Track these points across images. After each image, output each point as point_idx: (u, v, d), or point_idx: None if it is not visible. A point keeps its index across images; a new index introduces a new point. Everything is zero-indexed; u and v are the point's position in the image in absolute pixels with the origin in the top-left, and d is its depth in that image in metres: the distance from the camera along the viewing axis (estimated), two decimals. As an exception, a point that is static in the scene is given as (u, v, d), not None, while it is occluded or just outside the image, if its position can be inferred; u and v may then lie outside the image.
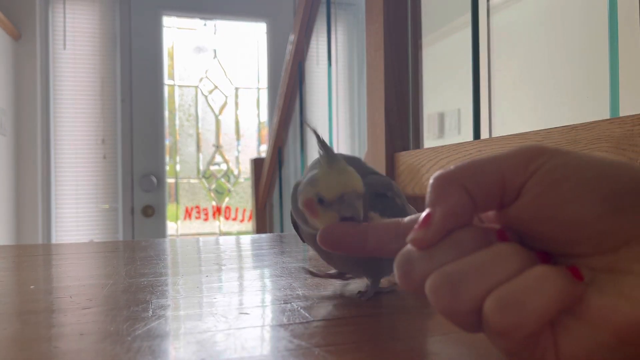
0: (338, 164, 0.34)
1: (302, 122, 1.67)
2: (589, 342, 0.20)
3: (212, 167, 2.61)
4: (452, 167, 0.23)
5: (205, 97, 2.60)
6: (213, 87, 2.61)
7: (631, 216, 0.20)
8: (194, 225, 2.60)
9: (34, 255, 0.70)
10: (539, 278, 0.20)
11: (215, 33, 2.61)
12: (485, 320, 0.20)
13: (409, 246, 0.23)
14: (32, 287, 0.47)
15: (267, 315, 0.35)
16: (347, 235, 0.27)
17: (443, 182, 0.23)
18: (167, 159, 2.54)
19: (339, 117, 2.68)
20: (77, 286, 0.46)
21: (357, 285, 0.45)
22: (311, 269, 0.47)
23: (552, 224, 0.21)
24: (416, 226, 0.23)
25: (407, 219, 0.26)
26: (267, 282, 0.47)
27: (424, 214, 0.23)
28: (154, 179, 2.48)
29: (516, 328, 0.20)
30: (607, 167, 0.21)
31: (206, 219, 2.61)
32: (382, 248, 0.26)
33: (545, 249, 0.22)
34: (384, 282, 0.44)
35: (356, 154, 2.70)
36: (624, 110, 0.55)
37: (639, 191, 0.20)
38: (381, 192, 0.39)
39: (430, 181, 0.23)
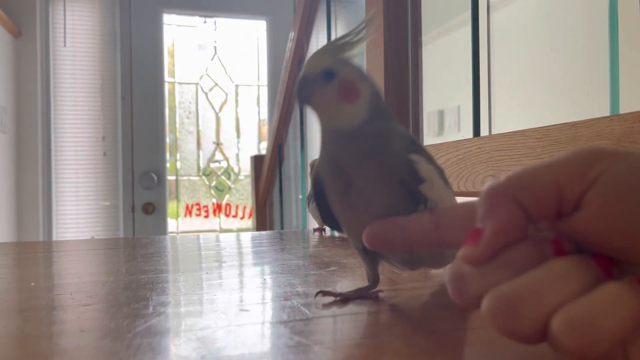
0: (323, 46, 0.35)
1: (302, 121, 1.67)
2: None
3: (213, 165, 2.61)
4: (503, 178, 0.22)
5: (206, 94, 2.60)
6: (213, 84, 2.61)
7: None
8: (194, 223, 2.60)
9: (35, 253, 0.70)
10: (610, 298, 0.19)
11: (215, 30, 2.61)
12: (553, 340, 0.19)
13: (460, 261, 0.22)
14: (32, 284, 0.47)
15: (267, 312, 0.35)
16: (389, 231, 0.27)
17: (494, 195, 0.22)
18: (168, 156, 2.54)
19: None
20: (78, 283, 0.46)
21: (354, 283, 0.45)
22: (325, 290, 0.39)
23: (618, 236, 0.20)
24: (467, 241, 0.22)
25: (443, 208, 0.27)
26: (267, 279, 0.48)
27: (475, 228, 0.22)
28: (155, 176, 2.48)
29: (588, 349, 0.19)
30: None
31: (206, 216, 2.61)
32: (425, 239, 0.27)
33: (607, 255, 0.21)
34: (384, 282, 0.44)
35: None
36: (624, 107, 0.55)
37: None
38: (415, 139, 0.35)
39: (482, 194, 0.23)
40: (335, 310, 0.35)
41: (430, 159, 0.34)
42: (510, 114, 1.62)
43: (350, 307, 0.36)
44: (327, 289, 0.38)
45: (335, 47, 0.34)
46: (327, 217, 0.37)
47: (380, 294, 0.38)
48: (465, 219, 0.26)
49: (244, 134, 2.66)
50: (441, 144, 0.73)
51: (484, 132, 0.73)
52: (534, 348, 0.26)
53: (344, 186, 0.33)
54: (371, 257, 0.37)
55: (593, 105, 1.29)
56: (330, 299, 0.37)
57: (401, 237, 0.28)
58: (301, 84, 0.34)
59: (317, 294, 0.38)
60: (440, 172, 0.35)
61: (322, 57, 0.34)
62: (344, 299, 0.37)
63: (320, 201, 0.37)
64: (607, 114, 0.51)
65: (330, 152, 0.34)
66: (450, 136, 1.93)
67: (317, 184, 0.36)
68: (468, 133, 0.76)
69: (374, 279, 0.38)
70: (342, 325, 0.32)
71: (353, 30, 0.34)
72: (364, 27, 0.34)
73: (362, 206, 0.33)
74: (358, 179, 0.33)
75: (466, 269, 0.22)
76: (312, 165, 1.06)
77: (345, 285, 0.44)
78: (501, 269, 0.21)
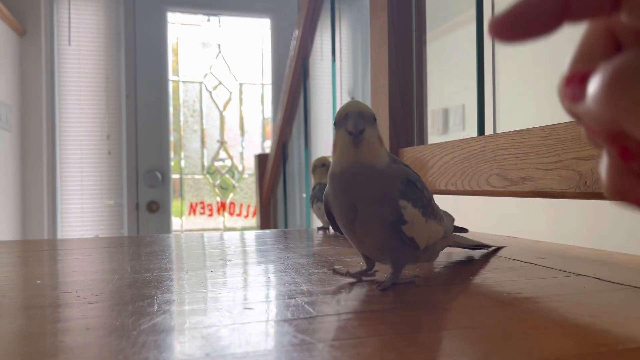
0: (354, 100, 0.42)
1: (306, 119, 1.67)
2: None
3: (217, 163, 2.62)
4: None
5: (210, 93, 2.60)
6: (217, 83, 2.61)
7: None
8: (199, 221, 2.61)
9: (40, 251, 0.70)
10: None
11: (219, 29, 2.61)
12: None
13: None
14: (38, 282, 0.47)
15: (271, 310, 0.35)
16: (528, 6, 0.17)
17: None
18: (172, 154, 2.54)
19: (343, 113, 2.67)
20: (83, 281, 0.46)
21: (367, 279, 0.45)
22: (336, 268, 0.47)
23: None
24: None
25: None
26: (271, 277, 0.48)
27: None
28: (159, 175, 2.48)
29: None
30: None
31: (210, 215, 2.61)
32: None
33: None
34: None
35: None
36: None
37: None
38: (412, 180, 0.42)
39: None
40: (338, 308, 0.35)
41: (415, 201, 0.41)
42: (515, 113, 1.62)
43: (354, 306, 0.36)
44: (338, 270, 0.47)
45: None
46: (334, 225, 0.45)
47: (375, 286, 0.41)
48: None
49: (248, 133, 2.66)
50: (446, 142, 0.73)
51: (488, 130, 0.73)
52: (536, 345, 0.26)
53: (351, 219, 0.41)
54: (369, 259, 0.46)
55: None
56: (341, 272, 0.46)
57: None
58: (357, 118, 0.38)
59: (331, 271, 0.47)
60: (425, 207, 0.42)
61: (366, 106, 0.40)
62: (350, 276, 0.45)
63: (329, 216, 0.45)
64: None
65: (346, 191, 0.40)
66: (454, 135, 1.93)
67: (326, 204, 0.44)
68: (473, 131, 0.76)
69: (371, 265, 0.46)
70: (345, 323, 0.32)
71: None
72: None
73: (363, 233, 0.42)
74: (364, 215, 0.40)
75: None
76: (316, 165, 1.05)
77: (348, 281, 0.44)
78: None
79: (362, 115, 0.39)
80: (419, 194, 0.42)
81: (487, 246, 0.62)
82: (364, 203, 0.40)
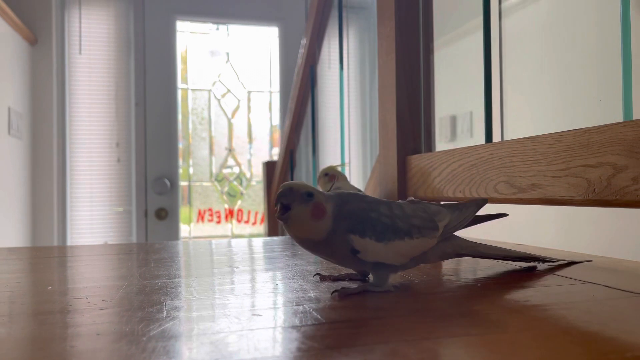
0: None
1: (314, 127, 1.67)
2: None
3: (225, 170, 2.63)
4: None
5: (218, 100, 2.61)
6: (226, 90, 2.62)
7: None
8: (207, 228, 2.61)
9: (50, 257, 0.71)
10: None
11: (228, 37, 2.63)
12: None
13: None
14: (48, 288, 0.47)
15: (279, 316, 0.35)
16: None
17: None
18: (180, 162, 2.56)
19: (350, 121, 2.68)
20: (93, 287, 0.47)
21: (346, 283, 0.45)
22: (321, 272, 0.50)
23: None
24: None
25: None
26: (279, 284, 0.48)
27: None
28: (167, 182, 2.49)
29: None
30: None
31: (219, 222, 2.62)
32: None
33: None
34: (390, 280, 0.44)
35: (367, 158, 2.70)
36: (638, 113, 0.55)
37: None
38: (361, 219, 0.43)
39: None
40: (346, 315, 0.35)
41: (363, 232, 0.42)
42: (522, 120, 1.62)
43: (362, 312, 0.36)
44: (324, 275, 0.49)
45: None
46: None
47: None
48: None
49: (256, 140, 2.67)
50: (453, 149, 0.73)
51: (496, 138, 0.73)
52: (545, 353, 0.26)
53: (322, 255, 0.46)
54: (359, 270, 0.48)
55: (606, 111, 1.28)
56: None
57: None
58: (281, 197, 0.41)
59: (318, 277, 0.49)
60: (381, 232, 0.43)
61: (305, 184, 0.43)
62: (334, 279, 0.48)
63: None
64: (620, 119, 0.51)
65: (305, 245, 0.44)
66: (462, 142, 1.93)
67: None
68: (480, 139, 0.76)
69: (363, 274, 0.49)
70: (354, 330, 0.32)
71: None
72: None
73: (336, 262, 0.46)
74: (327, 257, 0.45)
75: None
76: (320, 175, 1.04)
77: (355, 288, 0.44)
78: None
79: (291, 191, 0.41)
80: (368, 225, 0.43)
81: (540, 260, 0.54)
82: (325, 255, 0.44)
